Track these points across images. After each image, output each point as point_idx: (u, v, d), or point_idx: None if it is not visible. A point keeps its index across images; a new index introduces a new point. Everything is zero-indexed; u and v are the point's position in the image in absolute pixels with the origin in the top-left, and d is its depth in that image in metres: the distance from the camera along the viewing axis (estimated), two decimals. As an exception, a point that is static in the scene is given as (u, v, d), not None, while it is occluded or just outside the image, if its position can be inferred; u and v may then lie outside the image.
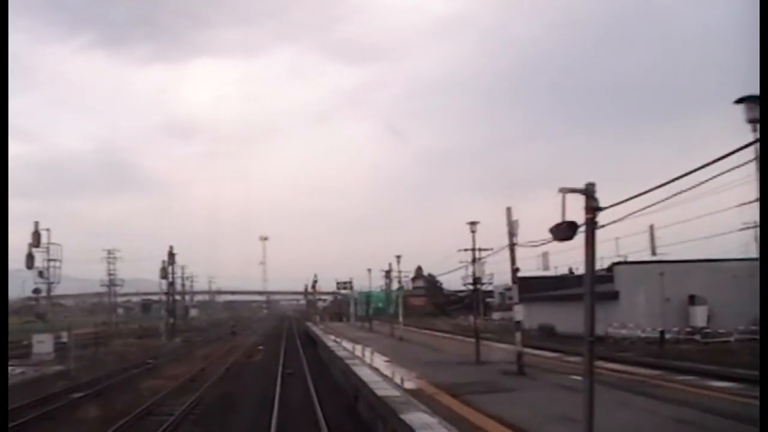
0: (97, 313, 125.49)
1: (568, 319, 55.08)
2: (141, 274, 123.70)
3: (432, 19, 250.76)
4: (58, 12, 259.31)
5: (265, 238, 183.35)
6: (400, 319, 38.26)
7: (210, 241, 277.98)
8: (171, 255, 57.10)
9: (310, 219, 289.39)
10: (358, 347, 30.36)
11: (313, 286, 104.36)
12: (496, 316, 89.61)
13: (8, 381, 23.71)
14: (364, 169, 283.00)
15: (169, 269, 57.81)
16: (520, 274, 69.56)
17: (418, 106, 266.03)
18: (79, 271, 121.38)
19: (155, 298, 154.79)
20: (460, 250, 73.73)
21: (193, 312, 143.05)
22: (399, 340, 36.14)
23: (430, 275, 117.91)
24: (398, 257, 44.82)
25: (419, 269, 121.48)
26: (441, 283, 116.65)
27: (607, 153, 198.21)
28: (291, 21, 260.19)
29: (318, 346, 41.49)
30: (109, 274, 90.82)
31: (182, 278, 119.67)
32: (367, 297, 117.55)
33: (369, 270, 53.57)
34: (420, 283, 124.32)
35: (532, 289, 70.14)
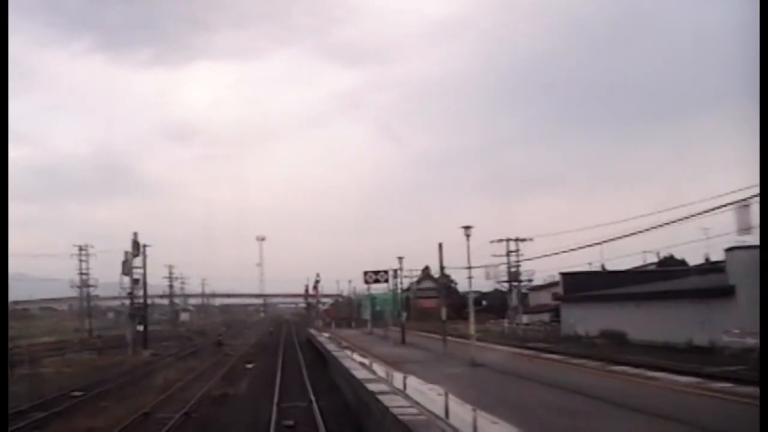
0: (97, 318, 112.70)
1: (646, 323, 41.22)
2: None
3: (430, 21, 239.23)
4: (57, 15, 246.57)
5: (262, 239, 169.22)
6: (472, 329, 22.46)
7: (208, 243, 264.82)
8: (135, 245, 43.05)
9: (309, 222, 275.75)
10: (429, 389, 15.73)
11: (315, 287, 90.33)
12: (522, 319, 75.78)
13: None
14: (363, 172, 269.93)
15: (134, 263, 43.60)
16: (568, 270, 53.12)
17: (417, 108, 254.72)
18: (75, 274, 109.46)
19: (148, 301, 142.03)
20: (493, 241, 59.60)
21: (184, 316, 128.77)
22: (472, 365, 21.45)
23: (443, 274, 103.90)
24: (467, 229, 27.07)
25: (426, 269, 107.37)
26: (456, 283, 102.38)
27: (606, 153, 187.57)
28: (289, 24, 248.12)
29: (330, 367, 27.54)
30: (81, 274, 76.96)
31: (170, 279, 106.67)
32: (373, 299, 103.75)
33: (400, 259, 38.57)
34: (428, 284, 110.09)
35: (584, 287, 56.05)
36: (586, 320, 51.10)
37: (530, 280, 63.24)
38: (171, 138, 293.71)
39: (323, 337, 43.22)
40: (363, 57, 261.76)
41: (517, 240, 58.70)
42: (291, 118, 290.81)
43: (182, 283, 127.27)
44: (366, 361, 23.70)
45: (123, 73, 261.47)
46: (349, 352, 28.96)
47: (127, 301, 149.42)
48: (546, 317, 73.79)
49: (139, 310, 48.81)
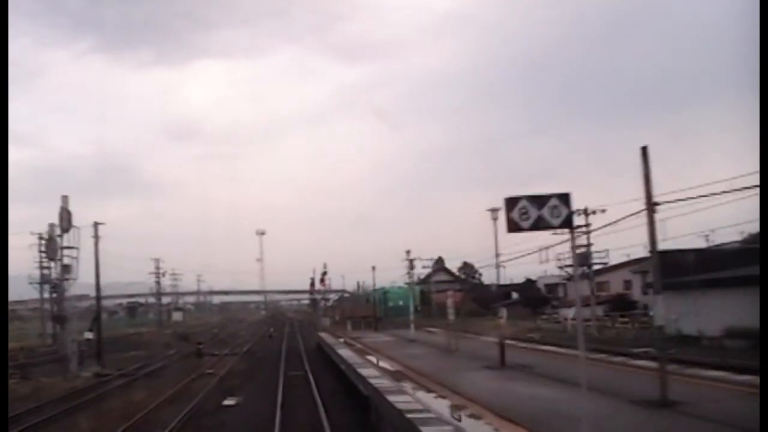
0: (86, 319, 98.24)
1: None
2: (135, 277, 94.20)
3: (433, 16, 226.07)
4: (59, 16, 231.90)
5: (262, 233, 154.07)
6: None
7: (210, 241, 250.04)
8: (65, 215, 27.91)
9: (312, 218, 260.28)
10: None
11: (322, 280, 75.32)
12: (567, 313, 60.94)
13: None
14: (366, 167, 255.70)
15: (61, 241, 28.45)
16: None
17: (420, 103, 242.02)
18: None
19: (142, 300, 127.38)
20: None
21: (177, 316, 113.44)
22: None
23: (465, 264, 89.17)
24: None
25: (440, 261, 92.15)
26: (480, 275, 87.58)
27: (608, 144, 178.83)
28: (291, 21, 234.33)
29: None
30: (42, 267, 61.53)
31: (156, 275, 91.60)
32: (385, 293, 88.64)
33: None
34: (442, 276, 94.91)
35: (680, 270, 41.09)
36: (699, 314, 35.73)
37: (605, 263, 48.11)
38: (173, 137, 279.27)
39: (345, 349, 28.09)
40: (365, 53, 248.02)
41: (586, 212, 43.54)
42: (293, 115, 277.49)
43: (176, 279, 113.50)
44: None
45: (124, 73, 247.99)
46: (415, 390, 13.94)
47: (124, 300, 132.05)
48: (598, 311, 58.85)
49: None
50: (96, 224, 38.23)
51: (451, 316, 24.20)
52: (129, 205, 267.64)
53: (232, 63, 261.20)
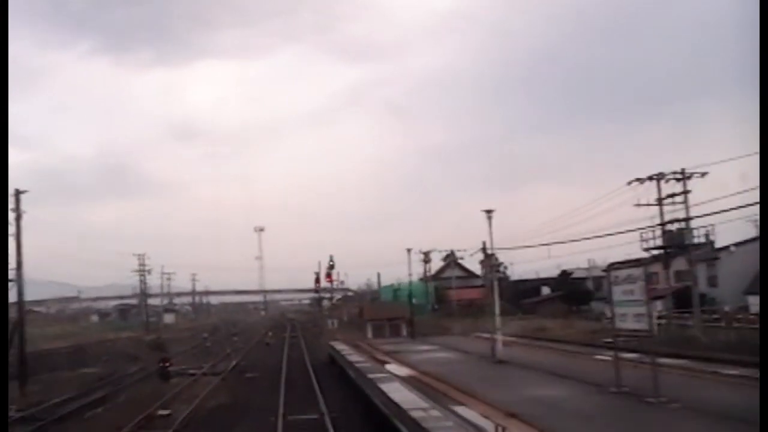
0: (77, 322, 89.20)
1: None
2: (135, 277, 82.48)
3: (436, 15, 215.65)
4: (61, 17, 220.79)
5: (261, 230, 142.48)
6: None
7: (212, 242, 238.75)
8: None
9: (315, 218, 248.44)
10: None
11: (328, 275, 63.51)
12: (609, 312, 49.19)
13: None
14: (369, 167, 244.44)
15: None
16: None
17: (422, 103, 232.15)
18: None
19: (134, 302, 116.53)
20: (632, 182, 33.43)
21: (168, 318, 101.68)
22: None
23: (490, 255, 77.46)
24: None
25: (451, 255, 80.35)
26: (506, 267, 75.67)
27: (610, 141, 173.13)
28: (294, 21, 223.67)
29: None
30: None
31: (141, 272, 79.79)
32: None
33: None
34: (455, 272, 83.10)
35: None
36: None
37: (709, 242, 36.48)
38: (175, 138, 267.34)
39: (392, 381, 16.26)
40: (368, 53, 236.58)
41: (683, 176, 31.90)
42: (296, 115, 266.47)
43: (168, 278, 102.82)
44: None
45: (127, 74, 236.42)
46: None
47: (121, 301, 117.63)
48: (658, 305, 47.17)
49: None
50: (18, 192, 26.72)
51: (648, 324, 12.09)
52: (130, 206, 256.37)
53: (234, 63, 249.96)
